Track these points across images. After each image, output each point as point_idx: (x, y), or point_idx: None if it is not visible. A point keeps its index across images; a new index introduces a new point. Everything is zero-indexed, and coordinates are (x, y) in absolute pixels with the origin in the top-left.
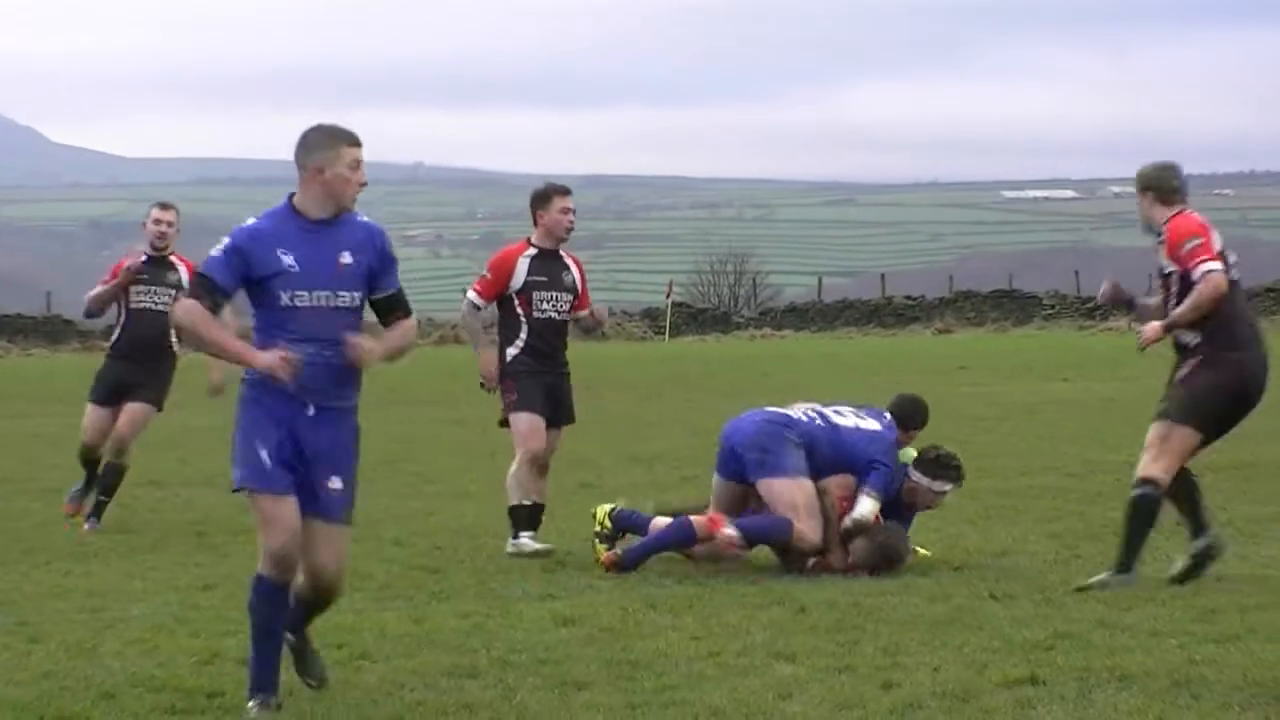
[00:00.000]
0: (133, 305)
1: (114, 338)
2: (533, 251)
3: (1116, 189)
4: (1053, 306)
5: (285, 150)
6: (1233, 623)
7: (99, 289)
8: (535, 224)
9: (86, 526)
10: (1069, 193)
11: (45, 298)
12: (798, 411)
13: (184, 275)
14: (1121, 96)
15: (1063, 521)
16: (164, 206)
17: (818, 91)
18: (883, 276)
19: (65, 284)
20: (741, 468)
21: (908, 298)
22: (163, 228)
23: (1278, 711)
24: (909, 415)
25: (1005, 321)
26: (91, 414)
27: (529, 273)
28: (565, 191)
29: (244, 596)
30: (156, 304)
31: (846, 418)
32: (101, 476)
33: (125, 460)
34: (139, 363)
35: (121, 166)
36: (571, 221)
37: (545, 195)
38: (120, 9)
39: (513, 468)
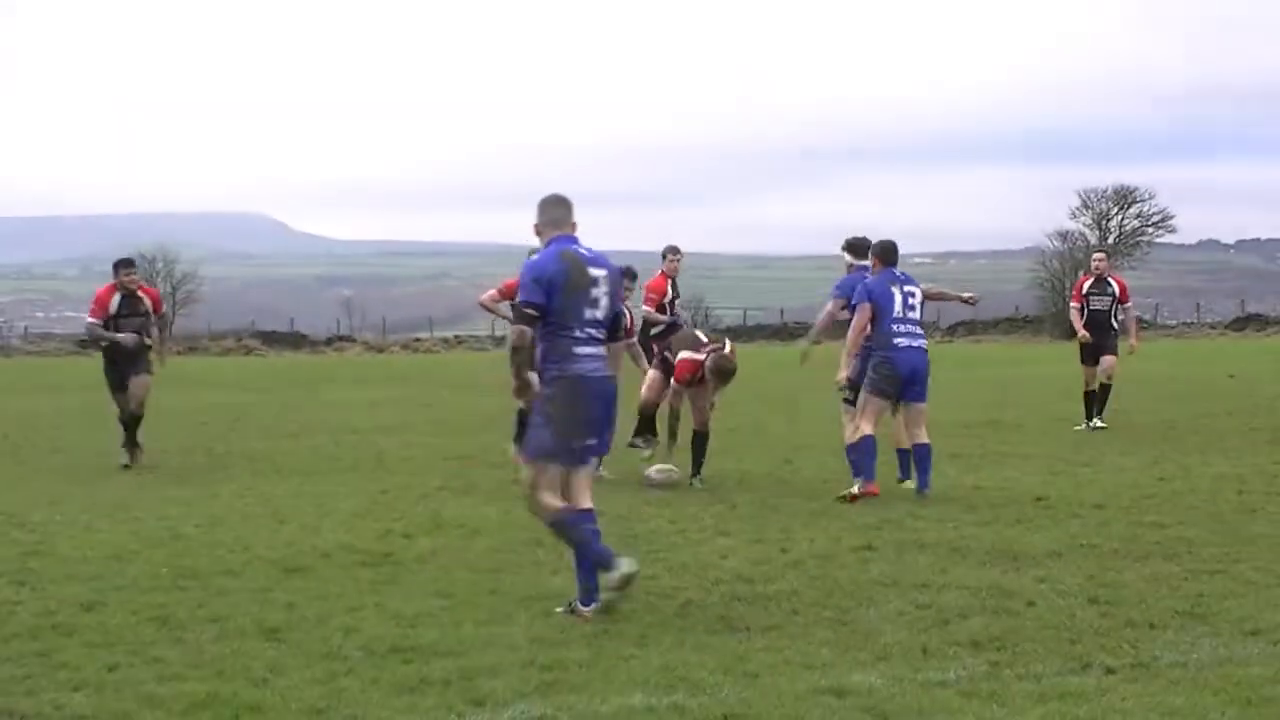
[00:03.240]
0: (122, 328)
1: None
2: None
3: None
4: None
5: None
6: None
7: (99, 328)
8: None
9: (126, 460)
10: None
11: (289, 322)
12: None
13: (149, 303)
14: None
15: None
16: (129, 264)
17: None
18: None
19: (301, 314)
20: None
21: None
22: (134, 277)
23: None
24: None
25: None
26: (117, 398)
27: None
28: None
29: (412, 501)
30: (134, 325)
31: None
32: (129, 428)
33: (141, 411)
34: (129, 360)
35: (332, 244)
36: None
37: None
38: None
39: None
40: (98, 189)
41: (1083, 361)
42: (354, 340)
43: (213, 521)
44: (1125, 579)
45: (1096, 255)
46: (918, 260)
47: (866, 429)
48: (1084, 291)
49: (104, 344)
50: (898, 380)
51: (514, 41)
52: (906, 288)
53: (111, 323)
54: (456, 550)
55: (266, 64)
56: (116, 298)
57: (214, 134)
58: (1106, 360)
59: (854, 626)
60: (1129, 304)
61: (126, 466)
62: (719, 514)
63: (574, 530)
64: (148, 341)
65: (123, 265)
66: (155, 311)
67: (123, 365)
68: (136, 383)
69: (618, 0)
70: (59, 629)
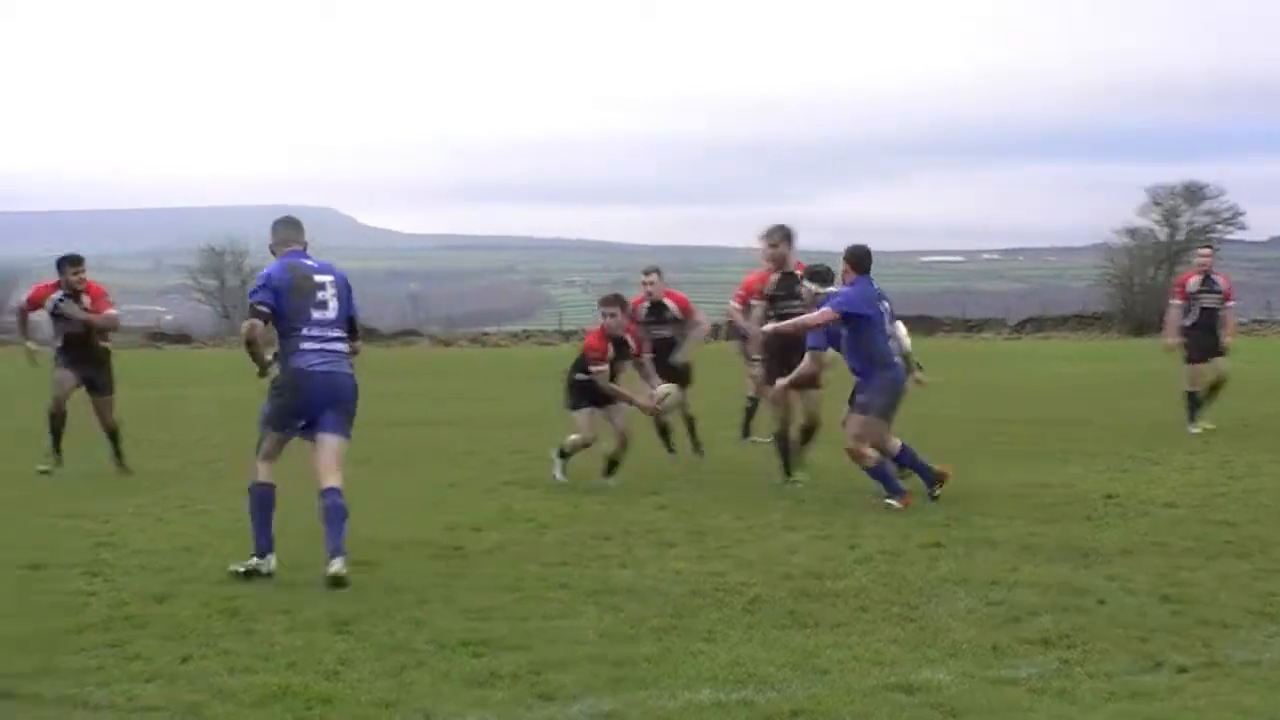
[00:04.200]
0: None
1: (60, 344)
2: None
3: None
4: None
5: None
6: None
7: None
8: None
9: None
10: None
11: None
12: None
13: (87, 299)
14: None
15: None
16: (76, 260)
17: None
18: None
19: (368, 307)
20: None
21: None
22: (81, 275)
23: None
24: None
25: None
26: (58, 376)
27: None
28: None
29: (480, 495)
30: (76, 327)
31: None
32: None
33: (113, 426)
34: (84, 363)
35: (399, 238)
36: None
37: None
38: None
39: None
40: (168, 183)
41: (1189, 360)
42: (421, 334)
43: (281, 514)
44: (1196, 577)
45: (1203, 251)
46: (986, 257)
47: (874, 453)
48: (1190, 289)
49: (55, 347)
50: (900, 397)
51: (577, 36)
52: (883, 302)
53: (56, 327)
54: (524, 544)
55: (335, 59)
56: (53, 300)
57: (282, 128)
58: (1220, 361)
59: (923, 623)
60: (1233, 302)
61: (45, 472)
62: (786, 509)
63: None
64: (105, 344)
65: (69, 263)
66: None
67: (79, 367)
68: (101, 405)
69: None
70: (131, 620)
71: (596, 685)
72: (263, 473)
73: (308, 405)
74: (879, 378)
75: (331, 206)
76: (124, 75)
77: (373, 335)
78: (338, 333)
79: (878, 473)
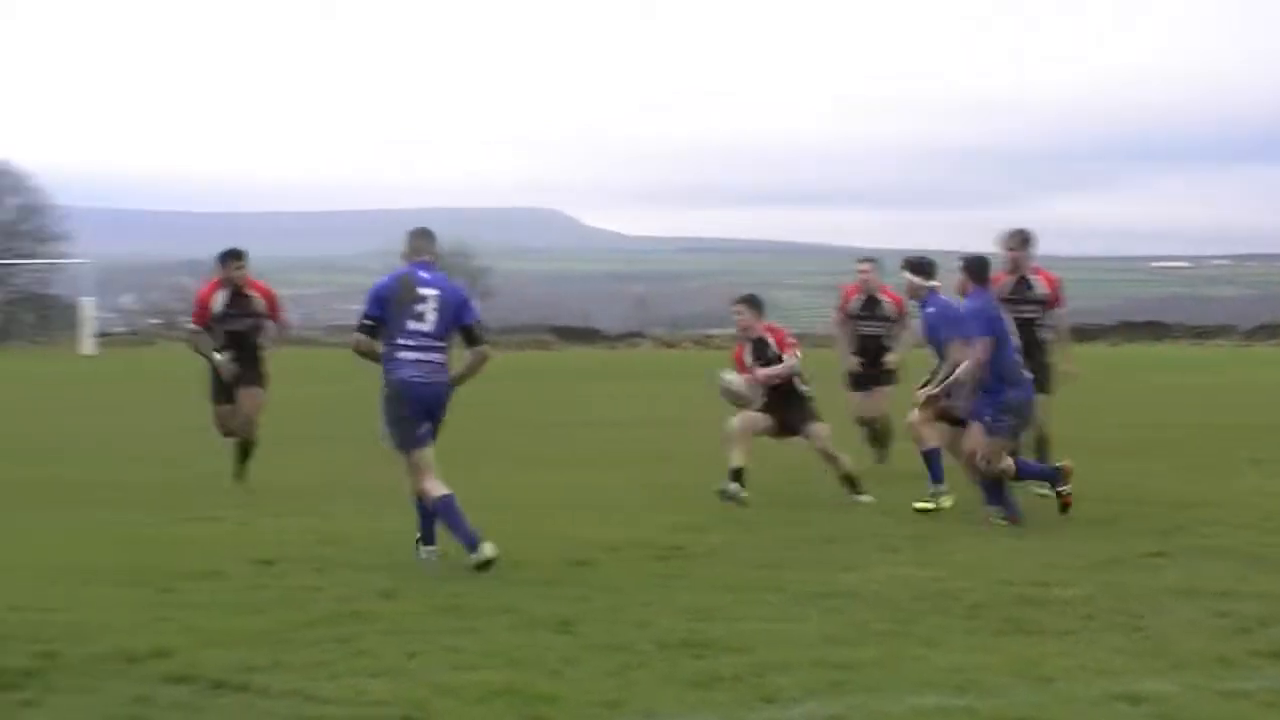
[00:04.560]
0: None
1: (221, 344)
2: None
3: None
4: None
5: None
6: None
7: (201, 336)
8: None
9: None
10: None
11: (583, 316)
12: None
13: (262, 303)
14: None
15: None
16: (237, 255)
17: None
18: None
19: (594, 309)
20: None
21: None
22: (243, 270)
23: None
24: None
25: None
26: (218, 410)
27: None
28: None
29: (700, 496)
30: (244, 327)
31: None
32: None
33: (251, 434)
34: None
35: (624, 240)
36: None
37: None
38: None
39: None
40: (396, 184)
41: None
42: (645, 336)
43: (500, 511)
44: None
45: None
46: (1217, 263)
47: (1007, 464)
48: None
49: (216, 348)
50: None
51: (805, 38)
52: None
53: (216, 326)
54: (745, 546)
55: (561, 62)
56: (221, 296)
57: (507, 130)
58: None
59: (1148, 633)
60: None
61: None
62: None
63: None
64: (262, 352)
65: (230, 257)
66: (271, 314)
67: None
68: (246, 395)
69: None
70: (358, 616)
71: (818, 688)
72: (433, 489)
73: (415, 413)
74: (1007, 395)
75: (558, 209)
76: (351, 77)
77: (596, 336)
78: (435, 344)
79: (992, 491)
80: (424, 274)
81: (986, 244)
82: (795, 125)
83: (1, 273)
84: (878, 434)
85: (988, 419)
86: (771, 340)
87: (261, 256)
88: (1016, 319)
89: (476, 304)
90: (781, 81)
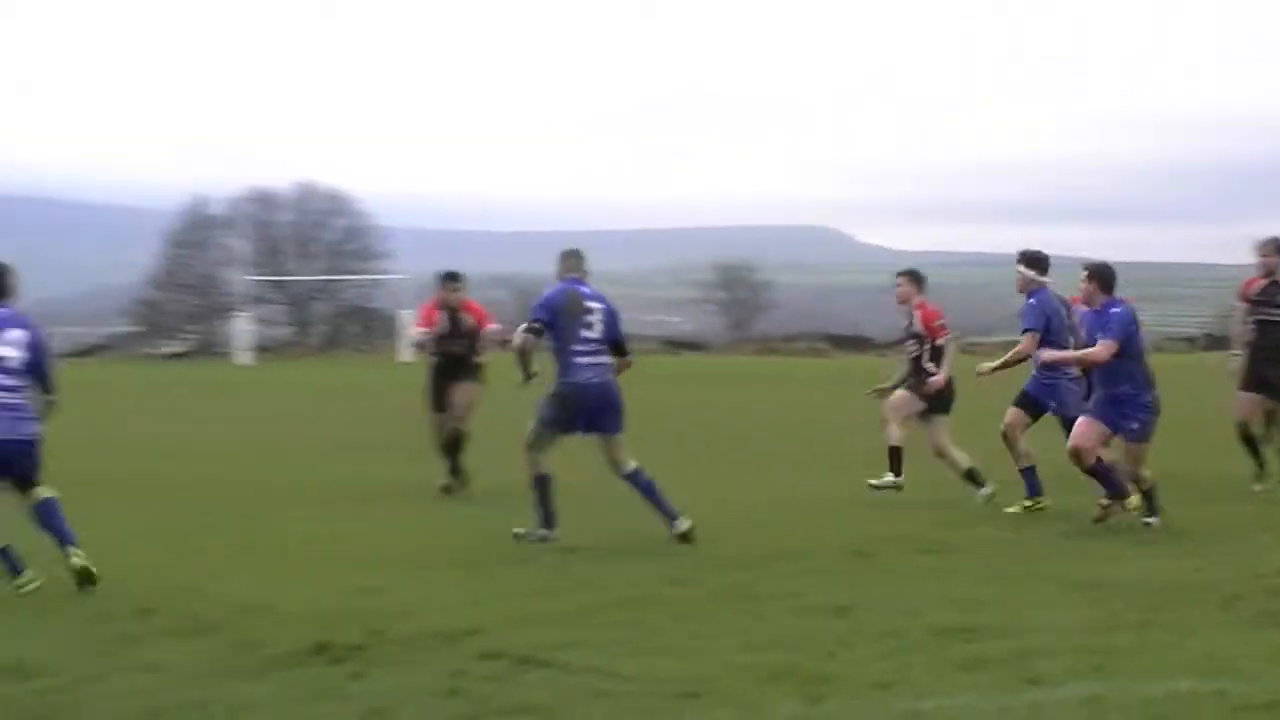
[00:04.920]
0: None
1: (436, 360)
2: None
3: None
4: None
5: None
6: None
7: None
8: None
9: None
10: None
11: (854, 326)
12: None
13: (473, 322)
14: None
15: None
16: (455, 277)
17: None
18: None
19: (865, 320)
20: None
21: None
22: (459, 291)
23: None
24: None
25: None
26: (433, 419)
27: None
28: None
29: (959, 493)
30: (459, 348)
31: None
32: (452, 454)
33: (463, 425)
34: (456, 367)
35: (894, 255)
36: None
37: None
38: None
39: None
40: (685, 203)
41: None
42: None
43: (781, 507)
44: None
45: None
46: None
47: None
48: None
49: (431, 355)
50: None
51: (1037, 57)
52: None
53: (436, 345)
54: (1010, 540)
55: (832, 90)
56: (441, 318)
57: (787, 152)
58: None
59: None
60: None
61: (446, 489)
62: (1263, 512)
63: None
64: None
65: (448, 279)
66: (480, 326)
67: (448, 376)
68: (460, 391)
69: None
70: (649, 600)
71: (1080, 672)
72: (541, 464)
73: (586, 412)
74: (1147, 398)
75: (834, 226)
76: (654, 105)
77: (866, 345)
78: (603, 349)
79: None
80: (584, 289)
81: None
82: (1044, 144)
83: (330, 288)
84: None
85: (1135, 427)
86: (918, 315)
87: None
88: (1266, 321)
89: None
90: (1027, 104)
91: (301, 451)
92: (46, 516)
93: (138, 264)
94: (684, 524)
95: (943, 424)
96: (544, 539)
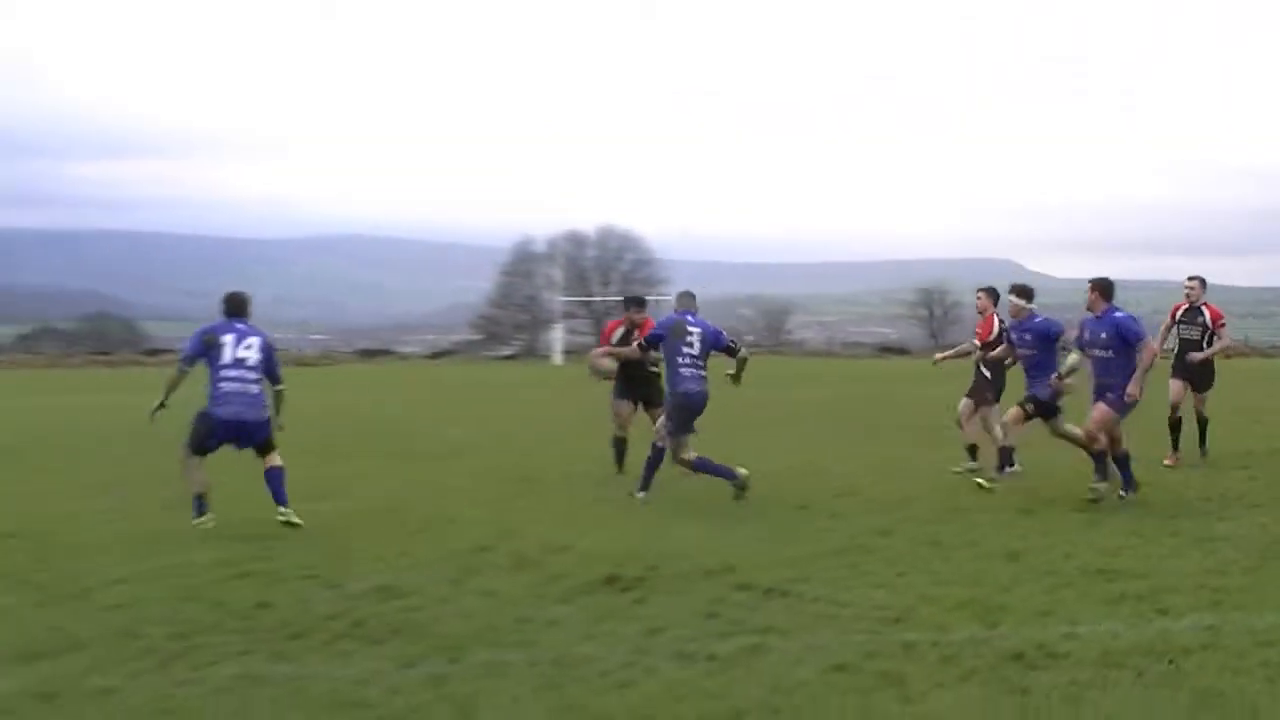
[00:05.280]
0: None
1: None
2: None
3: None
4: None
5: None
6: None
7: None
8: None
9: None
10: None
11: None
12: None
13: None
14: None
15: None
16: (640, 302)
17: None
18: None
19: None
20: None
21: None
22: (644, 315)
23: None
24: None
25: None
26: (617, 406)
27: None
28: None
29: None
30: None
31: None
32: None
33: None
34: (643, 384)
35: (1058, 283)
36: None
37: None
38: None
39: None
40: (898, 238)
41: None
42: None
43: (963, 476)
44: None
45: None
46: None
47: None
48: None
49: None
50: None
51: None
52: None
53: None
54: (1144, 501)
55: (1010, 137)
56: (619, 332)
57: (978, 195)
58: None
59: None
60: None
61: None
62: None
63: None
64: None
65: (633, 303)
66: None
67: (637, 387)
68: (656, 416)
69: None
70: (862, 548)
71: (1200, 606)
72: (689, 455)
73: (691, 417)
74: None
75: (1009, 257)
76: (868, 144)
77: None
78: (701, 362)
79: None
80: (690, 318)
81: None
82: (1193, 190)
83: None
84: None
85: (1113, 398)
86: (994, 324)
87: (801, 294)
88: None
89: (726, 333)
90: (1158, 148)
91: (599, 433)
92: (273, 479)
93: (479, 289)
94: (741, 472)
95: (995, 411)
96: (741, 487)
